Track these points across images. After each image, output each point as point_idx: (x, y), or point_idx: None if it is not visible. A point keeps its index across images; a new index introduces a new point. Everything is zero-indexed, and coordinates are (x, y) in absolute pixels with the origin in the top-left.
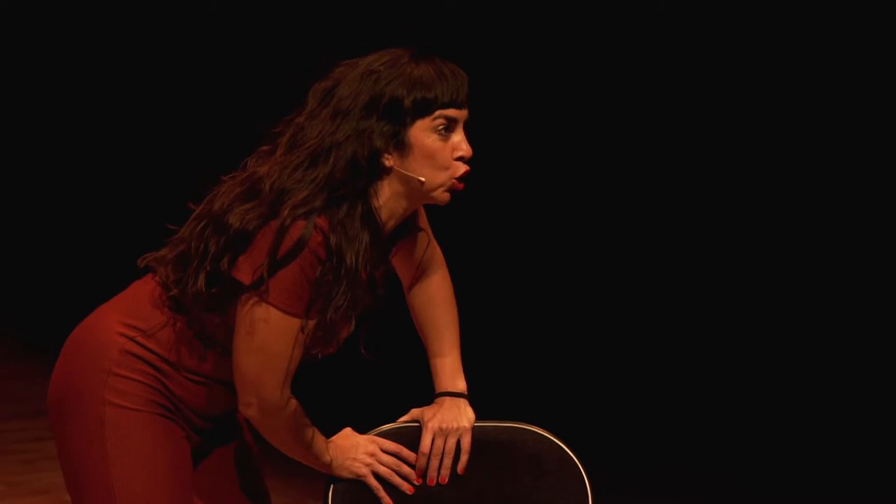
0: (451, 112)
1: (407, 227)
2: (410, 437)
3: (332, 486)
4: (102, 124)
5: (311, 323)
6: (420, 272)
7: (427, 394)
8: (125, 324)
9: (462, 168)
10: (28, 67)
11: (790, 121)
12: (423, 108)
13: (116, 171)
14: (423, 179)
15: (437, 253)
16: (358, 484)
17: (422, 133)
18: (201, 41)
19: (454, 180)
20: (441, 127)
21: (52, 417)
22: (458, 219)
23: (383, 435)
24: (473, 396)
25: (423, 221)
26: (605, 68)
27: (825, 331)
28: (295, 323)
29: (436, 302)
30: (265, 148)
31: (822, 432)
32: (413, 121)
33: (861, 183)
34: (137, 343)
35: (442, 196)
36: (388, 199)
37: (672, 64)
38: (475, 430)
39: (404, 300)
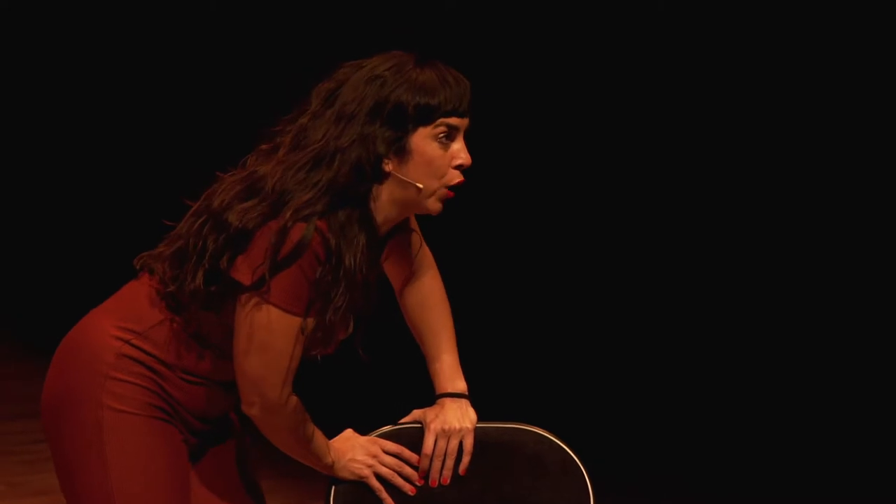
0: (452, 120)
1: (398, 230)
2: (411, 439)
3: (333, 487)
4: (103, 124)
5: (311, 321)
6: (411, 274)
7: (427, 395)
8: (120, 327)
9: (457, 177)
10: (27, 67)
11: (790, 121)
12: (426, 116)
13: (117, 172)
14: (420, 186)
15: (426, 254)
16: (359, 485)
17: (422, 140)
18: (200, 40)
19: (445, 189)
20: (442, 135)
21: (46, 422)
22: (460, 220)
23: (384, 436)
24: (474, 397)
25: (413, 223)
26: (606, 69)
27: (825, 333)
28: (295, 322)
29: (429, 304)
30: (265, 146)
31: (822, 434)
32: (415, 128)
33: (861, 183)
34: (133, 346)
35: (434, 206)
36: (383, 203)
37: (672, 64)
38: (476, 431)
39: (398, 303)
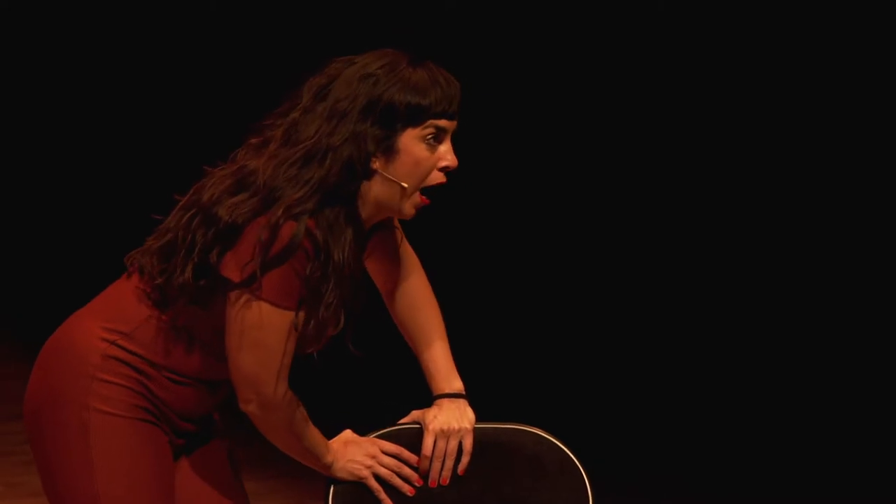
0: (442, 122)
1: (380, 227)
2: (410, 439)
3: (332, 487)
4: (104, 124)
5: (302, 316)
6: (396, 275)
7: (427, 395)
8: (106, 327)
9: (440, 178)
10: (24, 68)
11: (790, 121)
12: (417, 117)
13: (116, 172)
14: (405, 185)
15: (411, 255)
16: (358, 485)
17: (411, 141)
18: (194, 38)
19: (419, 195)
20: (430, 136)
21: (28, 423)
22: (459, 219)
23: (384, 437)
24: (472, 398)
25: (395, 220)
26: (606, 68)
27: (825, 333)
28: (287, 317)
29: (418, 305)
30: (255, 140)
31: (822, 434)
32: (404, 128)
33: (861, 183)
34: (119, 346)
35: (409, 210)
36: (367, 200)
37: (671, 64)
38: (474, 432)
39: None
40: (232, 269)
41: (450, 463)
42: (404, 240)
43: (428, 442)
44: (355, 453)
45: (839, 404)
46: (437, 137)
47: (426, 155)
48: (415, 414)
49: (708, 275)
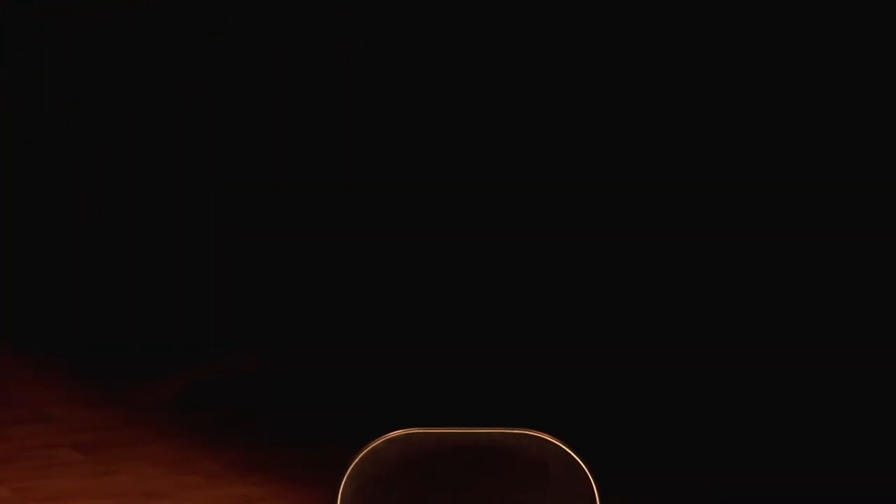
0: None
1: None
2: (419, 443)
3: (339, 495)
4: (101, 127)
5: None
6: None
7: (429, 399)
8: None
9: None
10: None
11: (789, 121)
12: None
13: (117, 171)
14: None
15: None
16: (364, 495)
17: None
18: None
19: None
20: None
21: None
22: (458, 219)
23: (390, 441)
24: (475, 401)
25: None
26: (605, 67)
27: (825, 334)
28: None
29: None
30: None
31: (823, 436)
32: None
33: (861, 182)
34: None
35: None
36: None
37: (671, 63)
38: (479, 437)
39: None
40: None
41: None
42: None
43: None
44: None
45: (841, 408)
46: None
47: None
48: None
49: (709, 279)
